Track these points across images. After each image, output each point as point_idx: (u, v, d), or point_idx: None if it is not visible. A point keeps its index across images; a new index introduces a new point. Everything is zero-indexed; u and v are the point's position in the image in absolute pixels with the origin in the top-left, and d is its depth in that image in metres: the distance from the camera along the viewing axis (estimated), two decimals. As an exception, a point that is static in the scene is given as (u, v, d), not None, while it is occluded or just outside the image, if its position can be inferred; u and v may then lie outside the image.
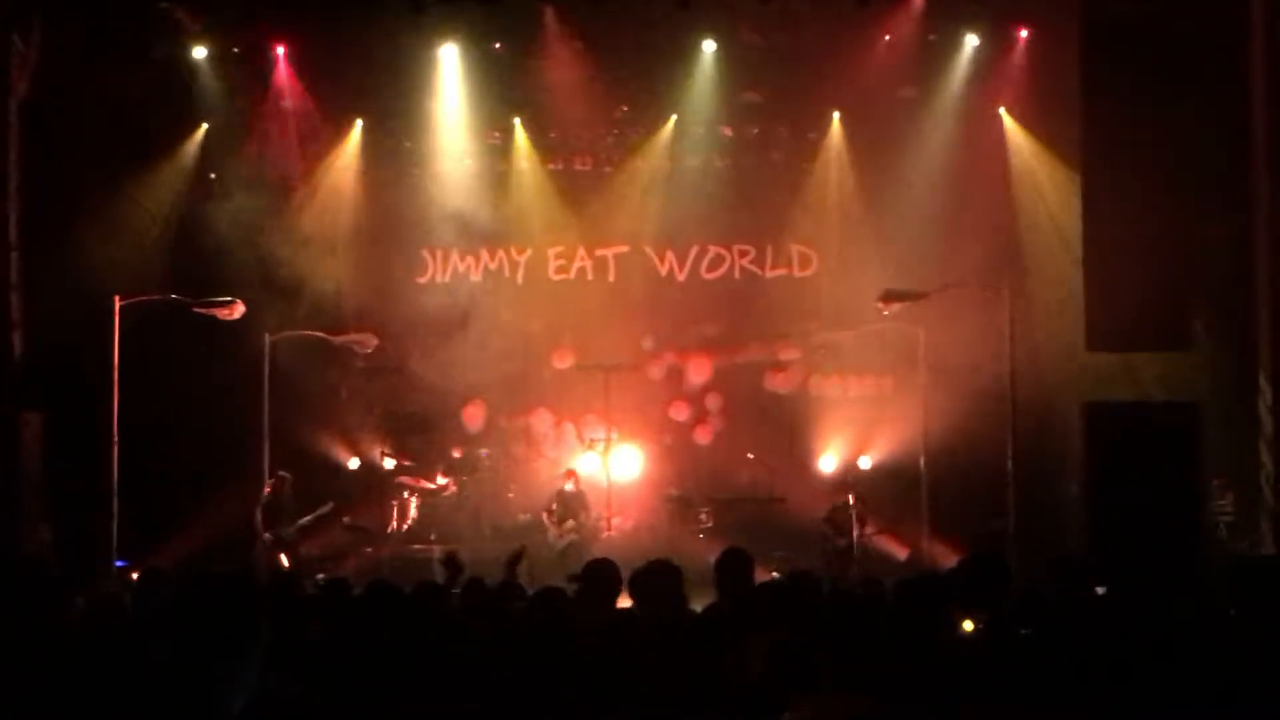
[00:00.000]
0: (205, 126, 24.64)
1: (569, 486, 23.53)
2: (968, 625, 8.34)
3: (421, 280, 26.54)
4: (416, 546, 23.28)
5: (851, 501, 21.79)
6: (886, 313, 20.85)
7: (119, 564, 18.72)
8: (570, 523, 23.05)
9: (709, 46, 24.29)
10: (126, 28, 22.60)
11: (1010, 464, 18.85)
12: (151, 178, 23.72)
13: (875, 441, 24.20)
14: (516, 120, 25.72)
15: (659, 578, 9.52)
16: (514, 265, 26.61)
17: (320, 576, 18.98)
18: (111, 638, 8.38)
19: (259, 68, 24.35)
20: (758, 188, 25.89)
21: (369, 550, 23.14)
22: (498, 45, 24.48)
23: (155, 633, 5.15)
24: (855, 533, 21.61)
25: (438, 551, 22.68)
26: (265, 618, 5.05)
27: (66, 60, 21.91)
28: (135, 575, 14.04)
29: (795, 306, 25.80)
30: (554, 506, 23.31)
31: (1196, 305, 20.96)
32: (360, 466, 25.30)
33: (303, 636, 8.93)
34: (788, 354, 25.89)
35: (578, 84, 24.86)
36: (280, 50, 24.31)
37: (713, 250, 26.35)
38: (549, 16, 23.72)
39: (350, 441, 25.45)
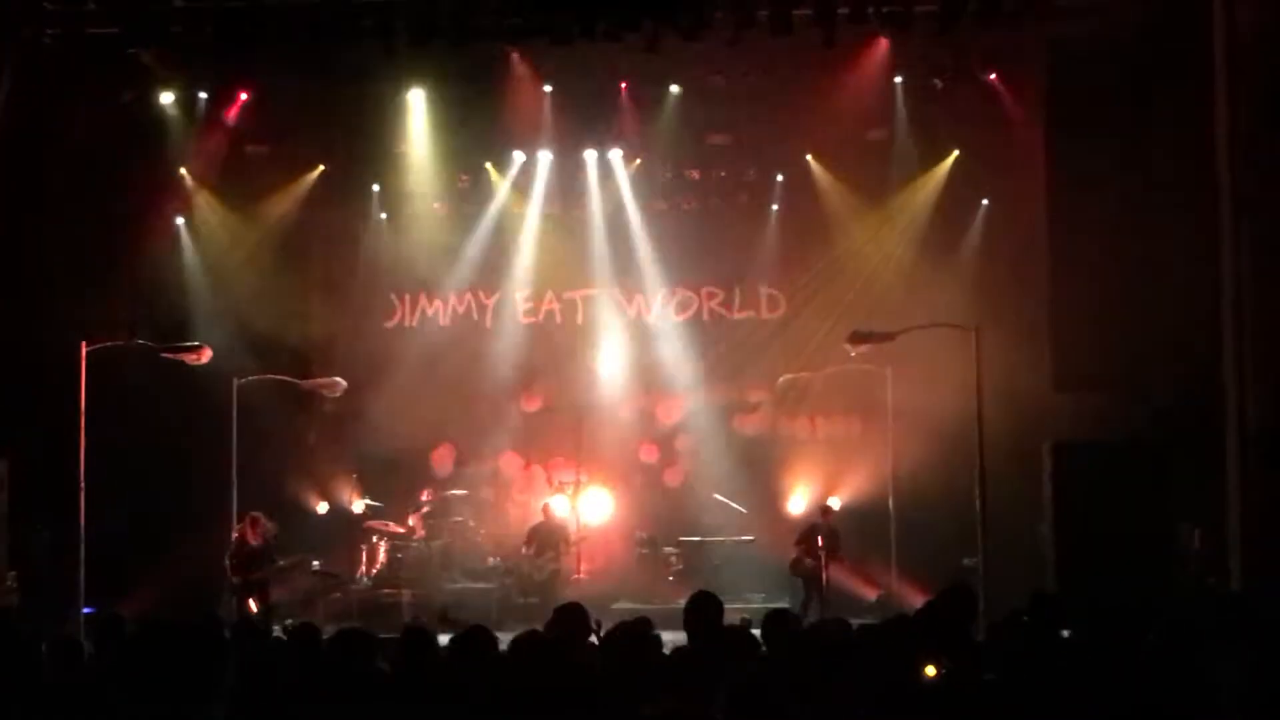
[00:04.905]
0: (172, 170, 24.59)
1: (543, 519, 23.68)
2: (930, 671, 8.33)
3: (389, 324, 26.57)
4: (386, 591, 23.19)
5: (820, 541, 21.80)
6: (854, 354, 20.88)
7: (86, 610, 18.59)
8: (550, 553, 23.12)
9: (675, 90, 24.33)
10: (95, 72, 22.56)
11: (979, 504, 18.85)
12: (118, 221, 23.61)
13: (844, 482, 24.19)
14: (487, 164, 25.74)
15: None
16: (482, 308, 26.61)
17: (289, 621, 18.89)
18: (73, 684, 8.32)
19: (225, 113, 24.34)
20: (725, 230, 25.94)
21: (338, 595, 23.05)
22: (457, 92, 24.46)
23: (115, 679, 5.13)
24: (824, 558, 21.65)
25: (406, 597, 22.68)
26: (230, 663, 5.03)
27: (35, 104, 21.89)
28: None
29: (763, 348, 25.82)
30: (528, 544, 23.36)
31: (1162, 344, 21.03)
32: (329, 511, 25.23)
33: (270, 682, 8.87)
34: (756, 396, 25.87)
35: (544, 127, 24.92)
36: (245, 95, 24.27)
37: (680, 292, 26.40)
38: (515, 60, 23.72)
39: (319, 486, 25.37)
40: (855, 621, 10.94)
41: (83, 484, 18.79)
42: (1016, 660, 8.94)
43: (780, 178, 25.57)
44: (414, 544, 24.01)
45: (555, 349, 26.36)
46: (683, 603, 9.94)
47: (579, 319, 26.61)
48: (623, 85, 24.43)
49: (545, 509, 24.08)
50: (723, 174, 25.74)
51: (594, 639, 9.90)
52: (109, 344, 19.44)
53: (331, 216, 25.54)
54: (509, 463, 26.16)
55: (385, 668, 9.41)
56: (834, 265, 25.24)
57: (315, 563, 22.95)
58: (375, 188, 26.01)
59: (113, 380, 19.81)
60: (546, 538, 23.43)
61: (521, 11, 21.12)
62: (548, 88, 24.39)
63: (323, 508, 25.28)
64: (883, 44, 22.78)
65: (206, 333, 22.48)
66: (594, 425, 25.69)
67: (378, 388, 25.35)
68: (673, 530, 24.75)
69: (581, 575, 23.94)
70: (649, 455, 26.17)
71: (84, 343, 19.01)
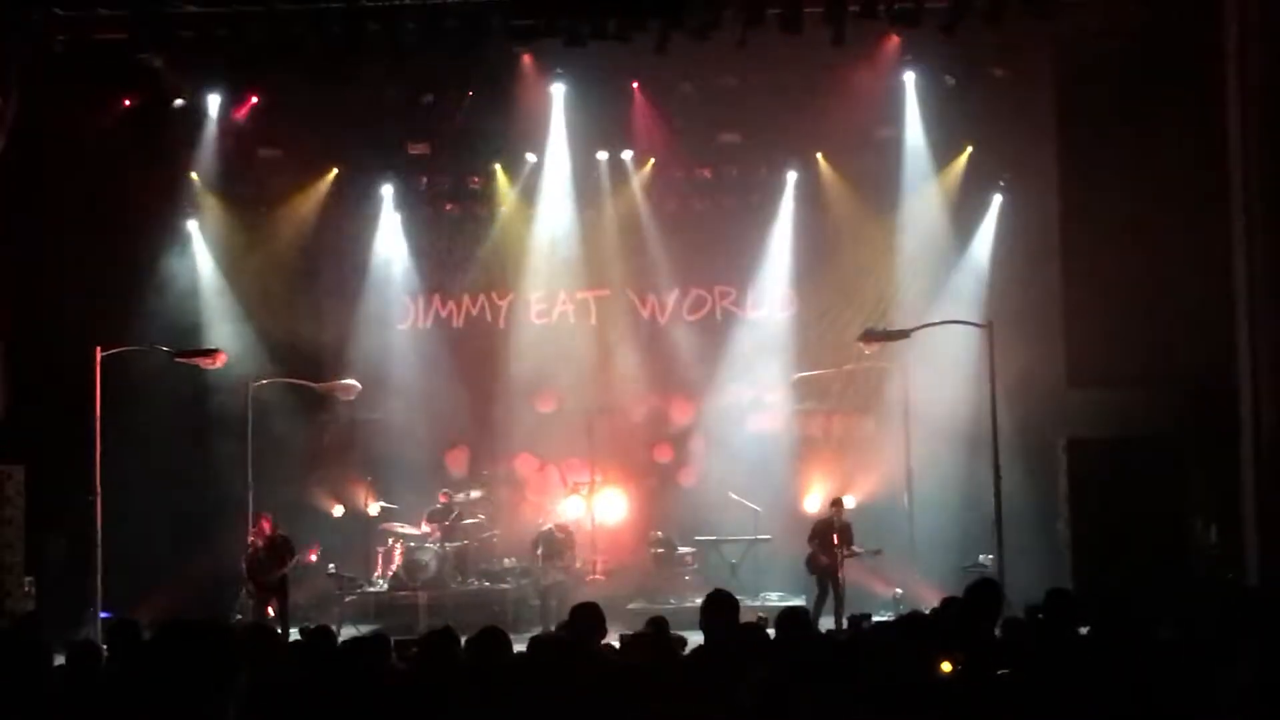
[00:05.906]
0: (183, 175, 24.61)
1: (548, 527, 23.62)
2: (946, 666, 8.31)
3: (403, 326, 26.52)
4: (402, 593, 23.18)
5: (835, 538, 21.75)
6: (868, 352, 20.87)
7: (103, 615, 18.64)
8: (556, 560, 23.09)
9: (686, 89, 24.31)
10: (104, 78, 22.60)
11: (995, 501, 18.83)
12: (131, 227, 23.65)
13: (859, 481, 24.14)
14: (497, 165, 25.73)
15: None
16: (496, 310, 26.56)
17: (306, 625, 18.91)
18: (89, 688, 8.33)
19: (236, 116, 24.35)
20: (738, 229, 25.86)
21: (354, 597, 23.06)
22: (470, 94, 24.46)
23: (131, 682, 5.12)
24: (840, 554, 21.58)
25: (423, 599, 22.68)
26: (243, 666, 5.02)
27: (45, 111, 21.93)
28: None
29: (777, 347, 25.75)
30: (539, 547, 23.33)
31: (1177, 339, 21.02)
32: (345, 513, 25.21)
33: (284, 684, 8.88)
34: (771, 395, 25.81)
35: (555, 129, 24.94)
36: (255, 98, 24.31)
37: (694, 292, 26.33)
38: (526, 63, 23.74)
39: (334, 489, 25.35)
40: (874, 617, 10.96)
41: (98, 489, 18.85)
42: (1032, 656, 8.92)
43: (792, 176, 25.51)
44: (430, 545, 23.98)
45: (569, 350, 26.29)
46: (699, 602, 9.93)
47: (592, 319, 26.53)
48: (634, 86, 24.44)
49: (555, 514, 24.03)
50: (734, 173, 25.65)
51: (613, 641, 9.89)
52: (124, 349, 19.49)
53: (344, 219, 25.54)
54: (524, 464, 26.15)
55: (402, 667, 9.42)
56: (847, 263, 25.15)
57: (331, 565, 22.96)
58: (388, 189, 26.00)
59: (127, 385, 19.86)
60: (554, 544, 23.34)
61: (532, 13, 21.13)
62: (559, 89, 24.44)
63: (338, 510, 25.25)
64: (893, 41, 22.75)
65: (220, 337, 22.55)
66: (608, 426, 25.60)
67: (392, 390, 25.37)
68: (688, 530, 24.70)
69: (597, 575, 23.90)
70: (663, 455, 26.14)
71: (98, 348, 19.07)
